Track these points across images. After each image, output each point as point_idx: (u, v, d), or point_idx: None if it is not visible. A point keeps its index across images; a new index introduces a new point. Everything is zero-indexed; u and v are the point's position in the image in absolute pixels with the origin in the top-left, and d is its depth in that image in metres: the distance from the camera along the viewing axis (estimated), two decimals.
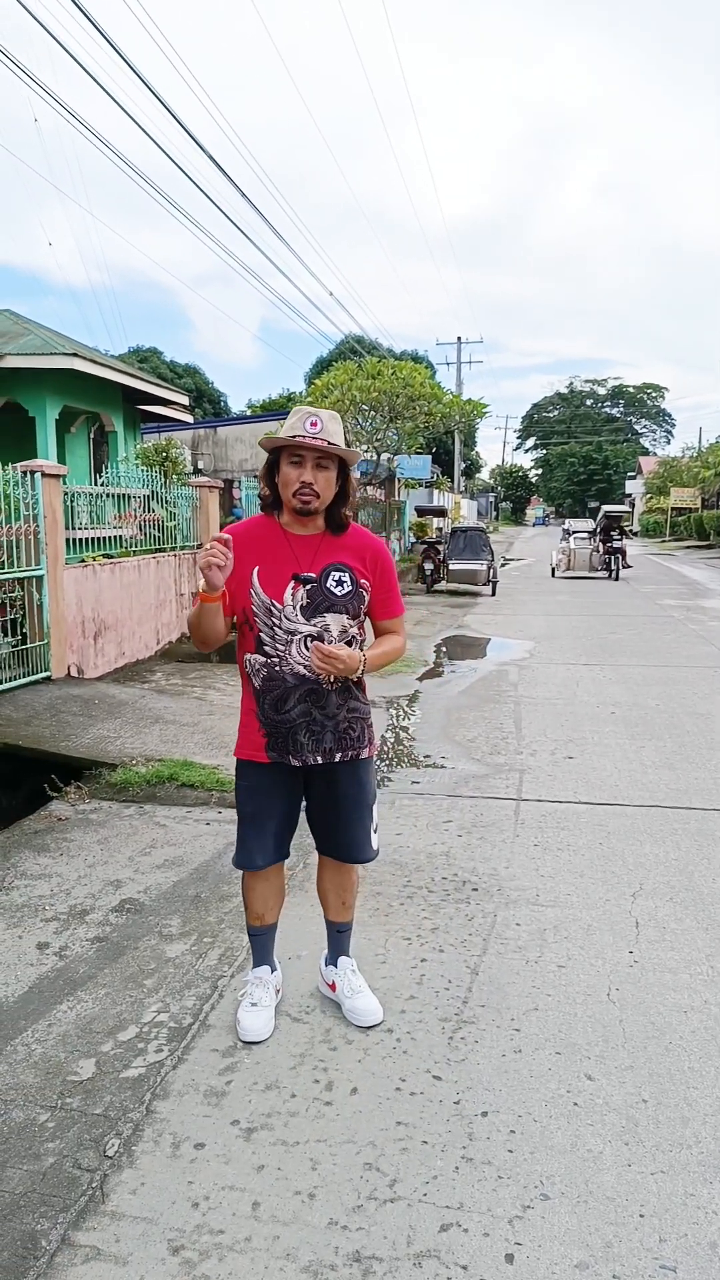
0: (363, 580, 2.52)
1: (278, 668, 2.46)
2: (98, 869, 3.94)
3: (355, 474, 2.73)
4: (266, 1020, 2.68)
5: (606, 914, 3.48)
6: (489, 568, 16.47)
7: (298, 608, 2.45)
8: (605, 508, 21.35)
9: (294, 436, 2.38)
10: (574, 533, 21.60)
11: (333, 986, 2.82)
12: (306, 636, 2.44)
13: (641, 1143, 2.22)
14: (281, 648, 2.45)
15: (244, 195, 13.50)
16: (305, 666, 2.44)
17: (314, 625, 2.45)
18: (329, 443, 2.40)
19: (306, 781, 2.61)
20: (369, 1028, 2.68)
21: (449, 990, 2.92)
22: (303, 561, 2.47)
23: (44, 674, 6.79)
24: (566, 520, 23.26)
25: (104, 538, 8.52)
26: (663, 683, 8.17)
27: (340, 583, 2.48)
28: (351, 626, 2.52)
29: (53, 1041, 2.65)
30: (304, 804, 2.68)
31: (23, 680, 6.53)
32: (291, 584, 2.44)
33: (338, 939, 2.84)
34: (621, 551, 19.96)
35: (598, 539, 20.41)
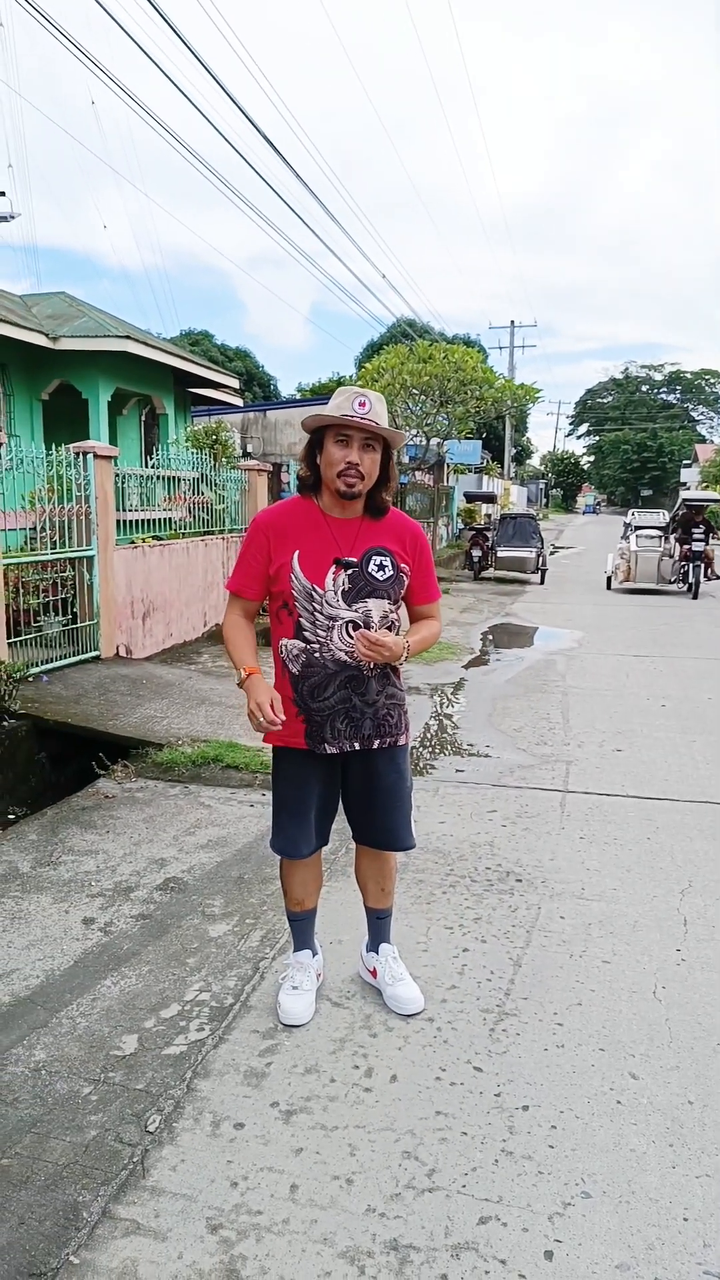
0: (403, 564, 2.49)
1: (318, 654, 2.42)
2: (143, 847, 3.98)
3: (403, 459, 2.69)
4: (307, 1004, 2.68)
5: (654, 910, 3.41)
6: (538, 555, 16.28)
7: (339, 593, 2.41)
8: (685, 495, 16.26)
9: (343, 415, 2.34)
10: (639, 529, 15.35)
11: (374, 973, 2.81)
12: (348, 622, 2.41)
13: (686, 1145, 2.17)
14: (323, 633, 2.41)
15: (298, 176, 13.44)
16: (346, 652, 2.40)
17: (355, 610, 2.41)
18: (376, 424, 2.35)
19: (344, 768, 2.58)
20: (410, 1016, 2.67)
21: (491, 981, 2.89)
22: (343, 545, 2.43)
23: (93, 653, 6.88)
24: (630, 512, 17.32)
25: (152, 520, 8.60)
26: (714, 676, 7.99)
27: (382, 567, 2.45)
28: (392, 612, 2.49)
29: (97, 1016, 2.69)
30: (341, 791, 2.66)
31: (73, 659, 6.62)
32: (333, 568, 2.41)
33: (378, 925, 2.83)
34: (706, 558, 14.70)
35: (673, 538, 15.14)
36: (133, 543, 7.79)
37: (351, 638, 2.39)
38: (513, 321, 39.44)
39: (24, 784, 5.25)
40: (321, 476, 2.43)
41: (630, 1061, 2.49)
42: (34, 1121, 2.23)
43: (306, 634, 2.43)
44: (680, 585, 14.58)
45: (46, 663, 6.29)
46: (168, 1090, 2.35)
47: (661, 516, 16.30)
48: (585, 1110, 2.29)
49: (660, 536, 14.95)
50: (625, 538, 15.69)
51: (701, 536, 14.45)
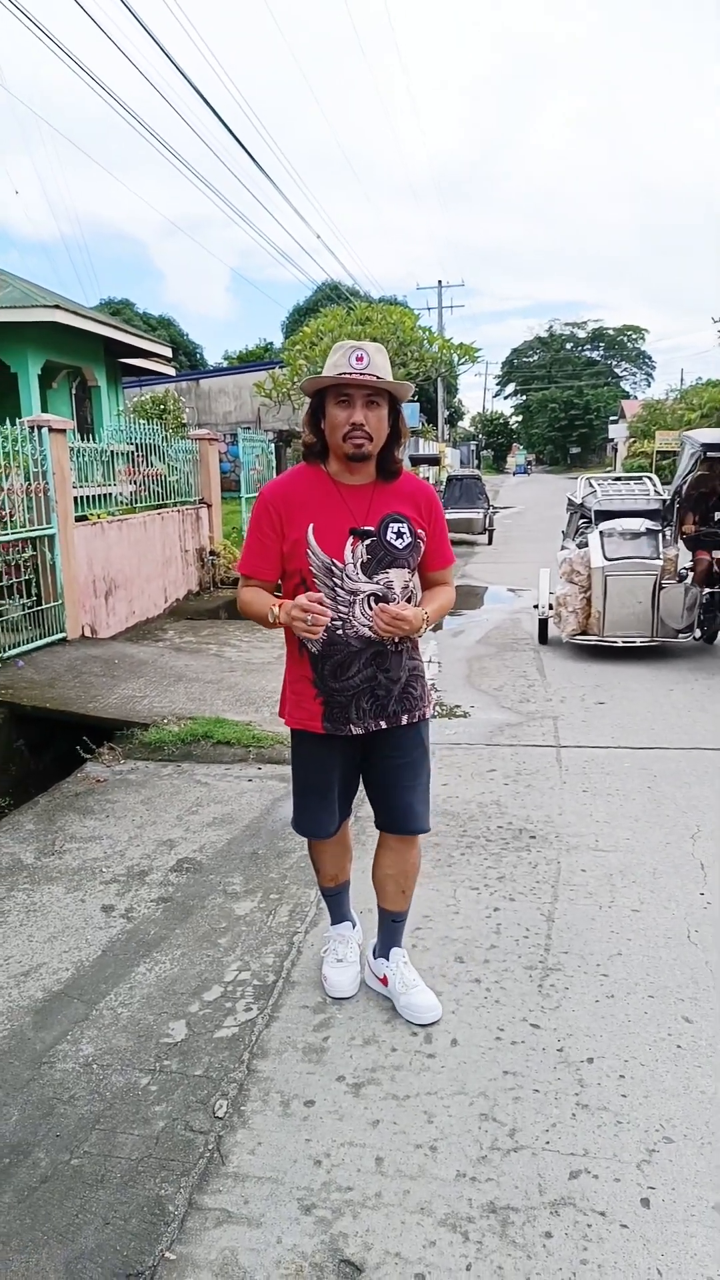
0: (419, 530, 2.34)
1: (340, 631, 2.25)
2: (147, 829, 3.88)
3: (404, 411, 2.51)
4: (353, 976, 2.63)
5: (669, 858, 3.47)
6: (485, 515, 16.36)
7: (358, 565, 2.25)
8: (701, 437, 7.28)
9: (340, 374, 2.17)
10: (607, 519, 7.54)
11: (384, 980, 2.60)
12: (369, 595, 2.25)
13: None
14: (345, 610, 2.25)
15: (226, 126, 12.96)
16: (370, 628, 2.25)
17: (377, 583, 2.26)
18: (377, 377, 2.18)
19: (365, 745, 2.42)
20: (425, 1025, 2.46)
21: (528, 939, 2.90)
22: (357, 514, 2.27)
23: (60, 635, 6.66)
24: (585, 483, 8.81)
25: (102, 495, 8.32)
26: None
27: (400, 535, 2.29)
28: (410, 580, 2.35)
29: (138, 1004, 2.61)
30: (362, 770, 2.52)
31: (40, 642, 6.39)
32: (350, 539, 2.25)
33: (392, 929, 2.61)
34: None
35: (675, 530, 7.50)
36: (87, 519, 7.53)
37: (373, 611, 2.25)
38: (440, 281, 39.26)
39: (4, 773, 5.07)
40: (328, 442, 2.27)
41: (681, 1006, 2.53)
42: (96, 1118, 2.15)
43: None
44: (686, 633, 7.13)
45: (14, 647, 6.06)
46: (228, 1074, 2.30)
47: (648, 490, 8.21)
48: (649, 1057, 2.31)
49: (651, 534, 7.16)
50: (575, 535, 8.17)
51: None
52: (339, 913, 2.73)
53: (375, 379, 2.18)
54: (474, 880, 3.31)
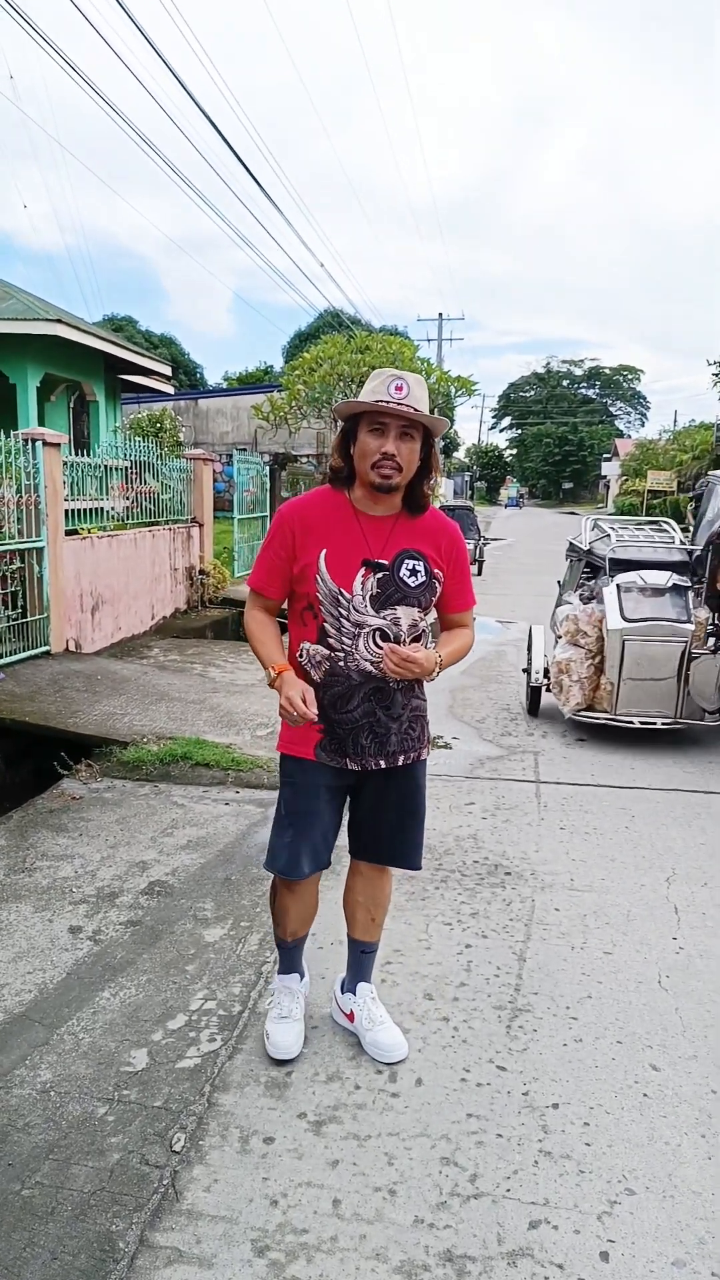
0: (436, 570, 2.27)
1: (342, 663, 2.22)
2: (120, 850, 3.83)
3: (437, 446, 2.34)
4: (297, 1035, 2.47)
5: (644, 900, 3.45)
6: (476, 546, 16.44)
7: (367, 598, 2.20)
8: None
9: (377, 401, 2.12)
10: (627, 574, 5.89)
11: (350, 1016, 2.56)
12: (375, 630, 2.20)
13: (719, 1134, 2.18)
14: (348, 641, 2.21)
15: (235, 153, 13.15)
16: (372, 663, 2.20)
17: (384, 618, 2.21)
18: (415, 409, 2.13)
19: (357, 783, 2.37)
20: (391, 1064, 2.43)
21: (499, 978, 2.88)
22: (373, 545, 2.21)
23: (43, 648, 6.62)
24: (600, 531, 6.89)
25: (92, 510, 8.30)
26: None
27: (414, 573, 2.23)
28: (421, 620, 2.30)
29: (100, 1030, 2.56)
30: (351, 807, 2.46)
31: (22, 655, 6.35)
32: (362, 571, 2.19)
33: (361, 961, 2.57)
34: None
35: (709, 588, 5.86)
36: (78, 533, 7.52)
37: (379, 647, 2.18)
38: (440, 314, 39.72)
39: None
40: (355, 468, 2.21)
41: (649, 1053, 2.50)
42: (50, 1147, 2.11)
43: (331, 640, 2.22)
44: None
45: None
46: (188, 1106, 2.25)
47: (671, 538, 6.69)
48: (614, 1105, 2.29)
49: (679, 590, 5.79)
50: (577, 586, 6.70)
51: None
52: (289, 963, 2.57)
53: (413, 410, 2.13)
54: (447, 915, 3.28)
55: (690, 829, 4.20)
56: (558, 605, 6.84)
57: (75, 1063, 2.42)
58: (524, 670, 6.67)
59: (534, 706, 6.34)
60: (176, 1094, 2.30)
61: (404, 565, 2.23)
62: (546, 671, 6.22)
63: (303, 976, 2.62)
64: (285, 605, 2.39)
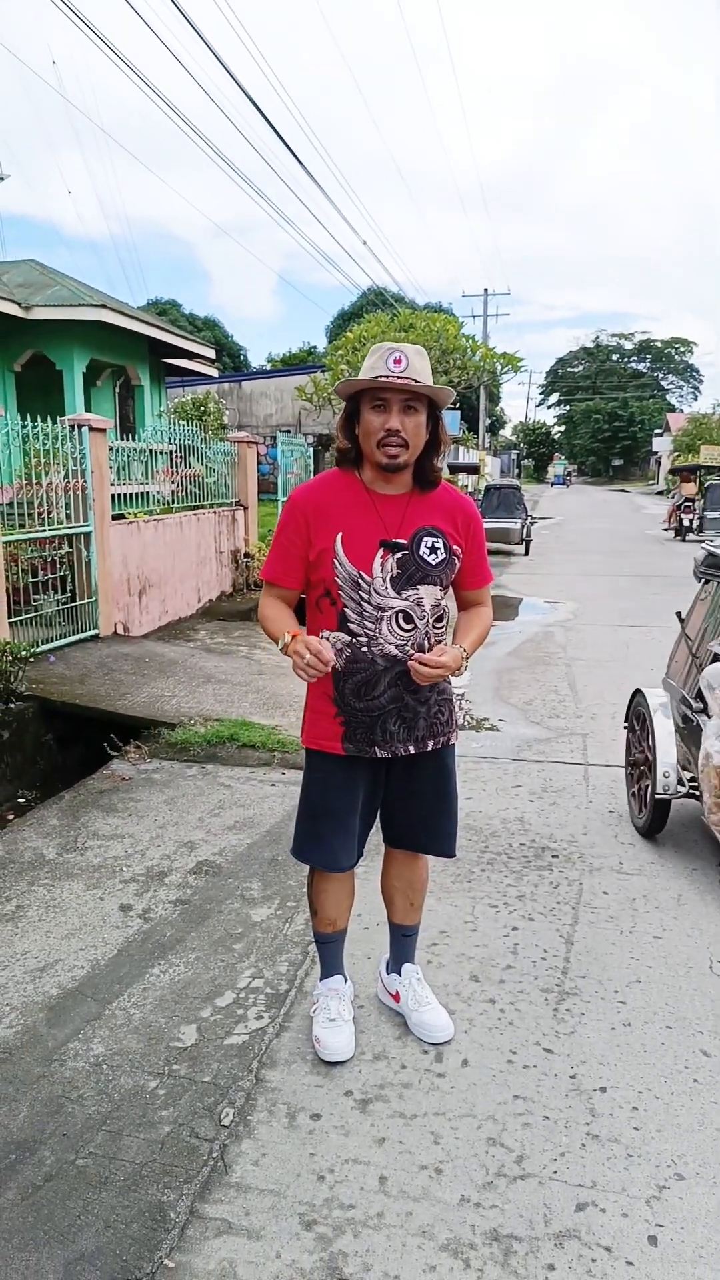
0: (455, 546, 2.22)
1: (365, 648, 2.16)
2: (169, 830, 3.89)
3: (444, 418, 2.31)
4: (348, 1037, 2.40)
5: (694, 883, 3.40)
6: (523, 526, 16.25)
7: (388, 579, 2.14)
8: None
9: (376, 377, 2.07)
10: None
11: (395, 997, 2.56)
12: (398, 612, 2.15)
13: None
14: (371, 625, 2.15)
15: (277, 132, 13.09)
16: (398, 646, 2.16)
17: (406, 599, 2.16)
18: (416, 381, 2.07)
19: (388, 770, 2.32)
20: (437, 1045, 2.43)
21: (545, 960, 2.86)
22: (389, 525, 2.16)
23: (92, 632, 6.74)
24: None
25: (139, 494, 8.40)
26: None
27: (434, 550, 2.17)
28: (442, 598, 2.26)
29: (150, 1006, 2.61)
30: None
31: (72, 638, 6.47)
32: (380, 552, 2.14)
33: (403, 944, 2.56)
34: None
35: None
36: (124, 517, 7.61)
37: (404, 630, 2.15)
38: (486, 289, 39.16)
39: (33, 766, 5.13)
40: (362, 448, 2.17)
41: (699, 1038, 2.47)
42: (103, 1118, 2.16)
43: (353, 625, 2.16)
44: None
45: (47, 642, 6.14)
46: (236, 1082, 2.29)
47: None
48: (664, 1090, 2.27)
49: None
50: None
51: None
52: (331, 964, 2.52)
53: (414, 383, 2.07)
54: (493, 898, 3.27)
55: None
56: (693, 658, 3.98)
57: (126, 1037, 2.47)
58: (633, 766, 4.00)
59: (660, 821, 3.74)
60: (225, 1070, 2.33)
61: (423, 543, 2.17)
62: (686, 776, 3.67)
63: (347, 979, 2.56)
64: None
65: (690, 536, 18.83)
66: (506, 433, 73.95)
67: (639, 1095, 2.25)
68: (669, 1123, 2.15)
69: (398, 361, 2.07)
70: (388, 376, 2.07)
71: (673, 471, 26.38)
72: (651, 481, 55.36)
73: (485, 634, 2.36)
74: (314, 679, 2.10)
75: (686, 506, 20.46)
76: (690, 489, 22.23)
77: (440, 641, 2.23)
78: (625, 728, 4.24)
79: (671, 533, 20.66)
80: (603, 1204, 1.92)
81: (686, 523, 19.68)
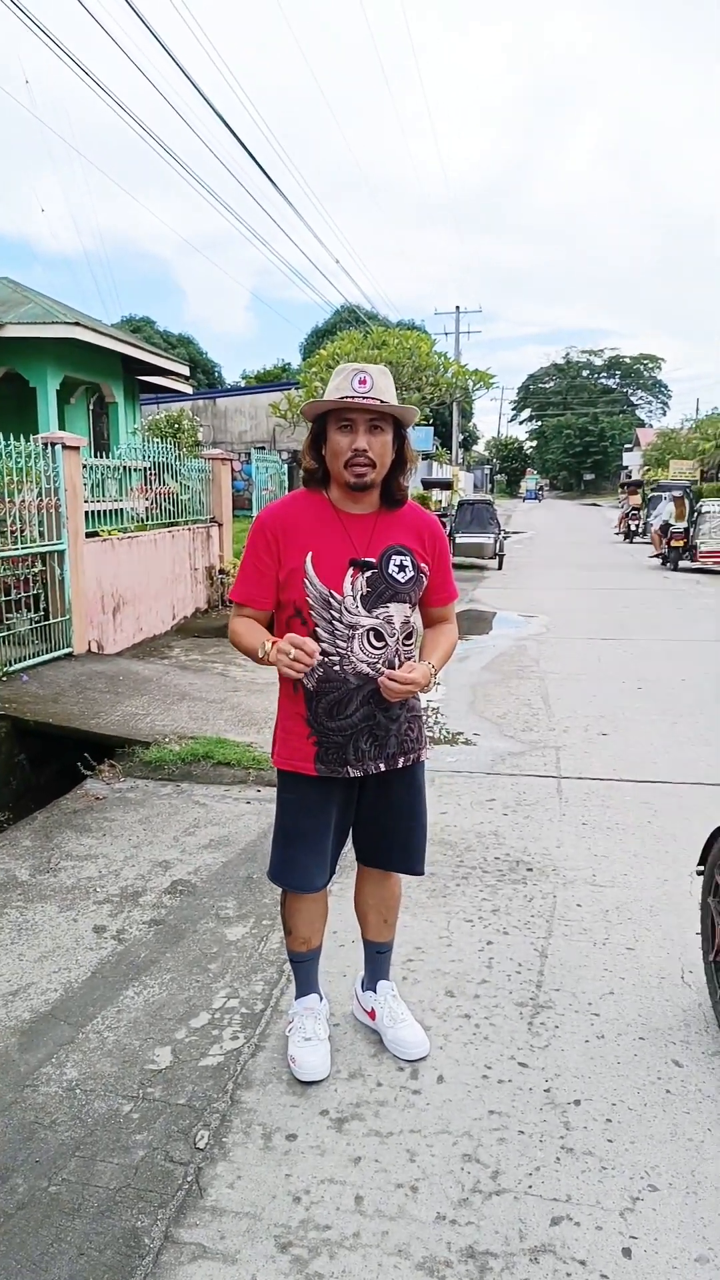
0: (422, 564, 2.25)
1: (337, 667, 2.16)
2: (143, 849, 3.87)
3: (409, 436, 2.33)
4: (324, 1055, 2.40)
5: (667, 895, 3.44)
6: (496, 541, 16.37)
7: (358, 598, 2.16)
8: None
9: (342, 398, 2.09)
10: None
11: (371, 1014, 2.55)
12: (369, 630, 2.17)
13: None
14: (343, 644, 2.16)
15: (245, 147, 13.17)
16: (369, 664, 2.17)
17: (376, 617, 2.17)
18: (381, 400, 2.09)
19: (361, 788, 2.33)
20: (413, 1061, 2.43)
21: (520, 974, 2.88)
22: (358, 544, 2.18)
23: (66, 650, 6.69)
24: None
25: (114, 511, 8.37)
26: (683, 658, 8.12)
27: (402, 568, 2.20)
28: (410, 615, 2.28)
29: (124, 1028, 2.59)
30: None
31: (46, 656, 6.42)
32: (350, 571, 2.16)
33: (377, 960, 2.56)
34: None
35: None
36: (98, 535, 7.58)
37: (375, 648, 2.17)
38: (458, 307, 39.53)
39: (4, 787, 5.08)
40: (329, 468, 2.19)
41: (672, 1049, 2.50)
42: (77, 1144, 2.14)
43: (324, 645, 2.16)
44: None
45: (20, 660, 6.09)
46: (211, 1104, 2.28)
47: None
48: (637, 1101, 2.28)
49: None
50: None
51: None
52: (306, 983, 2.50)
53: (379, 403, 2.09)
54: (468, 912, 3.29)
55: (714, 823, 4.16)
56: None
57: (100, 1061, 2.45)
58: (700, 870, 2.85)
59: None
60: (200, 1091, 2.32)
61: (391, 561, 2.20)
62: None
63: (322, 998, 2.55)
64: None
65: (636, 539, 23.33)
66: (479, 448, 74.48)
67: (612, 1107, 2.26)
68: (642, 1134, 2.17)
69: (363, 382, 2.10)
70: (353, 397, 2.09)
71: (621, 486, 32.97)
72: (623, 496, 56.26)
73: (452, 650, 2.38)
74: (304, 673, 2.09)
75: (634, 515, 24.73)
76: (636, 500, 26.96)
77: (410, 658, 2.25)
78: (698, 873, 2.81)
79: (622, 537, 24.87)
80: (577, 1217, 1.93)
81: (633, 528, 24.14)
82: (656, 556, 17.16)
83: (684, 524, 16.15)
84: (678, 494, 17.72)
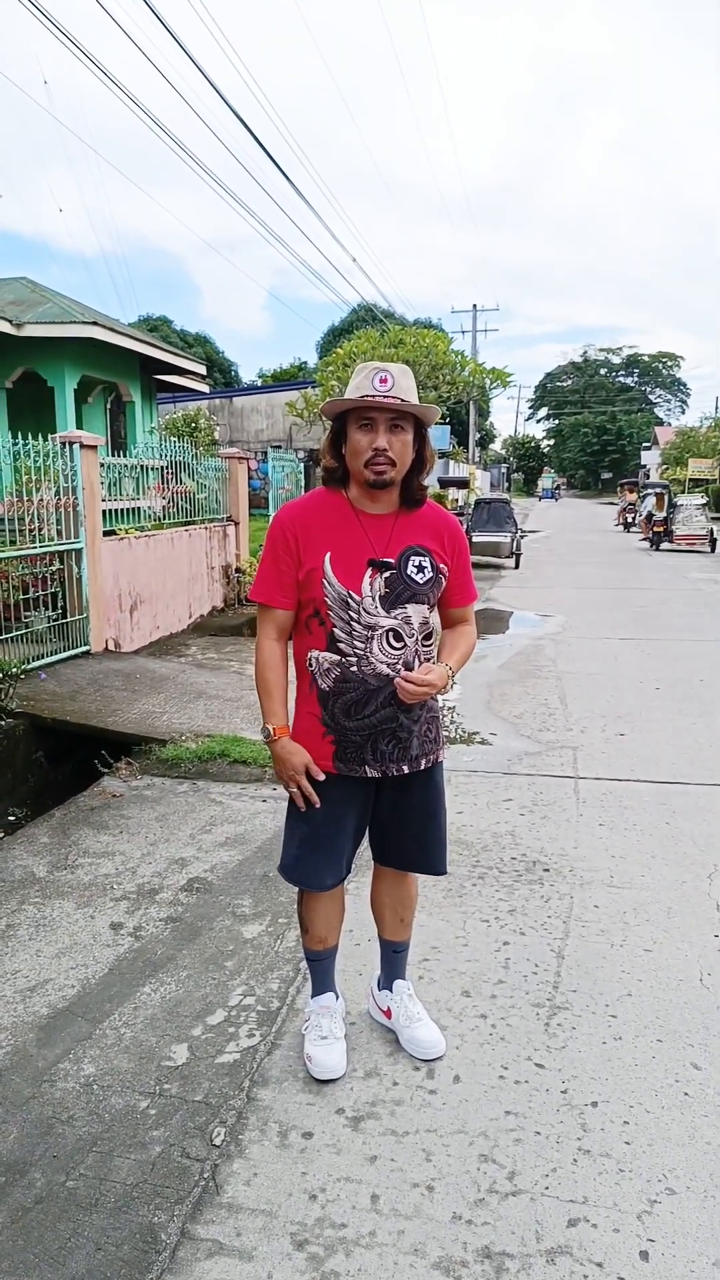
0: (442, 565, 2.23)
1: (355, 668, 2.16)
2: (160, 847, 3.89)
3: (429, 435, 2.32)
4: (340, 1054, 2.40)
5: (684, 896, 3.41)
6: (513, 540, 16.32)
7: (376, 598, 2.14)
8: None
9: (363, 397, 2.08)
10: None
11: (387, 1013, 2.55)
12: (388, 630, 2.16)
13: None
14: (361, 645, 2.15)
15: (263, 147, 13.19)
16: (389, 665, 2.16)
17: (395, 617, 2.16)
18: (402, 400, 2.09)
19: (380, 788, 2.31)
20: (429, 1061, 2.43)
21: (537, 975, 2.86)
22: (376, 544, 2.17)
23: (83, 648, 6.73)
24: None
25: (131, 509, 8.41)
26: (703, 657, 8.06)
27: (421, 569, 2.18)
28: (430, 616, 2.27)
29: (141, 1025, 2.61)
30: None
31: (63, 654, 6.46)
32: (369, 571, 2.15)
33: (394, 960, 2.56)
34: None
35: None
36: (115, 533, 7.62)
37: (394, 648, 2.16)
38: (475, 305, 39.44)
39: (23, 784, 5.11)
40: (349, 467, 2.18)
41: (690, 1051, 2.48)
42: (94, 1139, 2.15)
43: (342, 645, 2.16)
44: None
45: (38, 659, 6.13)
46: (228, 1101, 2.28)
47: None
48: (654, 1104, 2.27)
49: None
50: None
51: None
52: (322, 982, 2.49)
53: (400, 402, 2.09)
54: (485, 912, 3.28)
55: None
56: None
57: (117, 1057, 2.46)
58: None
59: None
60: (216, 1089, 2.33)
61: (410, 562, 2.18)
62: None
63: (338, 996, 2.54)
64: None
65: (631, 529, 28.18)
66: (496, 447, 74.25)
67: (630, 1109, 2.25)
68: (660, 1137, 2.16)
69: (384, 381, 2.09)
70: (374, 396, 2.08)
71: (620, 485, 38.36)
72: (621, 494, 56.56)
73: (470, 651, 2.37)
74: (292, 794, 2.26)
75: (629, 509, 29.93)
76: (631, 496, 32.11)
77: (429, 659, 2.25)
78: None
79: (621, 527, 29.84)
80: (594, 1219, 1.92)
81: (629, 520, 29.43)
82: (644, 540, 21.81)
83: (663, 514, 20.88)
84: (659, 491, 22.72)
